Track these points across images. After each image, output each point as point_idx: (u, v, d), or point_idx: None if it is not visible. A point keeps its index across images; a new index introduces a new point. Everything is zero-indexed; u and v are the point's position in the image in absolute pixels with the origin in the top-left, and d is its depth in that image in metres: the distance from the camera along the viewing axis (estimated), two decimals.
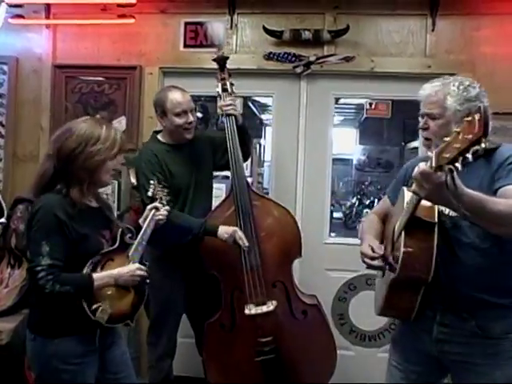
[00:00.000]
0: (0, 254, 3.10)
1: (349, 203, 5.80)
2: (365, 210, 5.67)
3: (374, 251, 1.71)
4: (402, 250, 1.54)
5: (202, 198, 2.61)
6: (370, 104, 3.12)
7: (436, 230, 1.54)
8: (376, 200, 5.48)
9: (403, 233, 1.56)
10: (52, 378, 1.76)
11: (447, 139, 1.23)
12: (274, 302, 2.42)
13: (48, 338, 1.75)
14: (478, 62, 2.87)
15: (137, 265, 1.83)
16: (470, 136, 1.16)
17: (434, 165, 1.27)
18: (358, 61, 2.98)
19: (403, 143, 4.67)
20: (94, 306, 1.71)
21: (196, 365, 2.86)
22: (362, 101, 3.32)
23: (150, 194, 2.12)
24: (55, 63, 3.19)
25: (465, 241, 1.59)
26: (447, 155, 1.22)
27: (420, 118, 1.74)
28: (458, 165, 1.21)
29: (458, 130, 1.21)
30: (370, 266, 1.74)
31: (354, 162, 4.89)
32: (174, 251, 2.54)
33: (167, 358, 2.65)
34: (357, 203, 5.82)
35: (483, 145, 1.16)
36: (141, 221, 2.01)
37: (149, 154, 2.51)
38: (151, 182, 2.15)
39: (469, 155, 1.18)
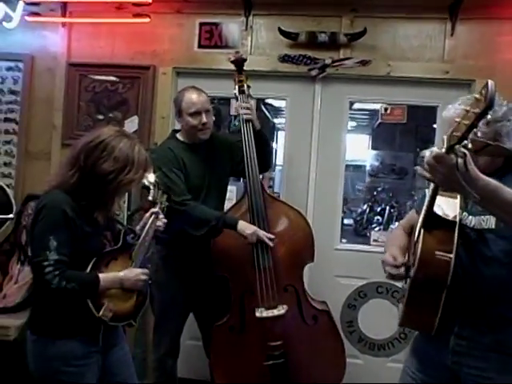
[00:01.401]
0: (10, 251, 3.11)
1: (360, 210, 5.76)
2: (376, 217, 5.63)
3: (395, 259, 1.67)
4: (420, 246, 1.50)
5: (215, 199, 2.58)
6: (386, 109, 3.08)
7: (457, 229, 1.51)
8: (387, 207, 5.44)
9: (422, 230, 1.54)
10: (53, 380, 1.73)
11: (458, 119, 1.24)
12: (285, 306, 2.38)
13: (50, 338, 1.72)
14: (498, 68, 2.81)
15: (141, 270, 1.84)
16: (477, 109, 1.18)
17: (445, 146, 1.26)
18: (375, 65, 2.95)
19: (418, 149, 4.62)
20: (99, 304, 1.70)
21: (202, 367, 2.82)
22: (376, 106, 3.28)
23: (150, 198, 2.09)
24: (70, 61, 3.19)
25: (488, 254, 1.55)
26: (458, 133, 1.23)
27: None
28: (470, 145, 1.23)
29: (467, 108, 1.22)
30: (391, 276, 1.70)
31: (368, 167, 4.83)
32: (181, 250, 2.51)
33: (169, 358, 2.62)
34: (368, 210, 5.77)
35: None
36: (137, 228, 1.98)
37: (165, 149, 2.52)
38: (151, 187, 2.11)
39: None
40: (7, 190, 3.02)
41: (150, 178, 2.23)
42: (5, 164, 3.28)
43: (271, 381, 2.39)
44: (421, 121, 3.20)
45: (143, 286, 1.84)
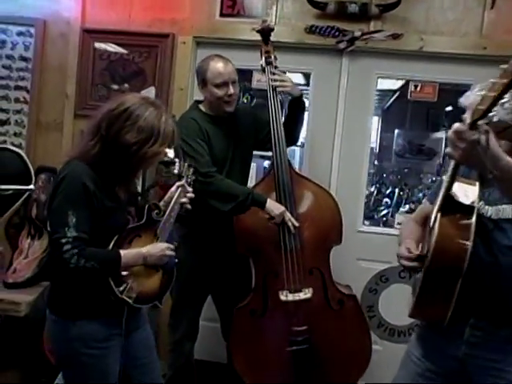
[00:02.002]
0: (20, 224, 3.00)
1: (367, 192, 5.65)
2: (384, 200, 5.53)
3: (410, 252, 1.60)
4: (436, 231, 1.42)
5: (238, 174, 2.46)
6: (416, 86, 2.93)
7: (475, 215, 1.43)
8: (396, 190, 5.34)
9: (439, 214, 1.45)
10: (73, 362, 1.64)
11: (483, 92, 1.18)
12: (311, 290, 2.28)
13: (70, 319, 1.62)
14: None
15: (166, 244, 1.72)
16: (505, 80, 1.12)
17: (468, 121, 1.21)
18: (406, 38, 2.79)
19: (446, 130, 4.48)
20: (121, 284, 1.59)
21: (219, 350, 2.73)
22: (391, 86, 3.12)
23: (176, 171, 1.97)
24: (84, 27, 3.03)
25: (506, 243, 1.49)
26: (482, 106, 1.17)
27: None
28: (495, 118, 1.19)
29: (494, 80, 1.16)
30: (406, 268, 1.62)
31: (394, 147, 4.70)
32: (202, 228, 2.40)
33: (187, 341, 2.53)
34: (375, 192, 5.66)
35: None
36: (162, 203, 1.87)
37: (189, 120, 2.38)
38: (176, 160, 1.97)
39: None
40: (25, 157, 2.83)
41: (170, 153, 2.11)
42: (15, 134, 3.15)
43: (294, 367, 2.30)
44: (452, 100, 3.05)
45: (169, 264, 1.72)
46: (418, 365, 1.68)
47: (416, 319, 1.77)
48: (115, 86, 3.04)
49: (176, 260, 1.78)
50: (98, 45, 3.04)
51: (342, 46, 2.83)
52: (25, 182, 2.75)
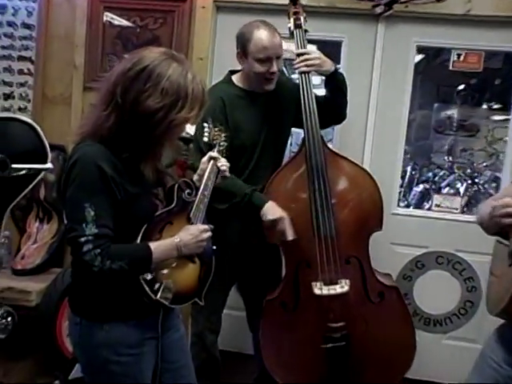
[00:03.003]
0: (26, 206, 2.79)
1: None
2: (421, 179, 5.32)
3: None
4: None
5: (269, 160, 2.22)
6: (459, 55, 2.65)
7: None
8: (436, 170, 5.11)
9: None
10: (101, 370, 1.41)
11: None
12: (348, 282, 2.06)
13: (97, 322, 1.39)
14: None
15: (201, 226, 1.47)
16: None
17: None
18: (451, 1, 2.50)
19: (490, 104, 4.20)
20: (155, 283, 1.36)
21: (245, 340, 2.56)
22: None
23: (205, 139, 1.71)
24: None
25: None
26: None
27: None
28: None
29: None
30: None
31: (433, 123, 4.43)
32: (225, 212, 2.17)
33: (210, 334, 2.33)
34: (410, 172, 5.42)
35: None
36: (195, 177, 1.62)
37: (216, 98, 2.07)
38: (205, 124, 1.73)
39: None
40: (39, 129, 2.40)
41: (189, 129, 1.88)
42: (19, 109, 2.92)
43: (328, 366, 2.10)
44: (498, 71, 2.80)
45: (206, 252, 1.48)
46: (497, 371, 1.46)
47: (504, 318, 1.53)
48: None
49: (214, 247, 1.54)
50: (108, 10, 2.77)
51: (378, 10, 2.56)
52: (40, 159, 2.35)
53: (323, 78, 2.26)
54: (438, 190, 4.33)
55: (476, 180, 4.32)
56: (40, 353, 2.63)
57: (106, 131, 1.35)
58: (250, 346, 2.53)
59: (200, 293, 1.51)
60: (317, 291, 2.02)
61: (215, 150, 1.64)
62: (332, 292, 2.01)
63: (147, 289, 1.33)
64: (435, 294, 2.78)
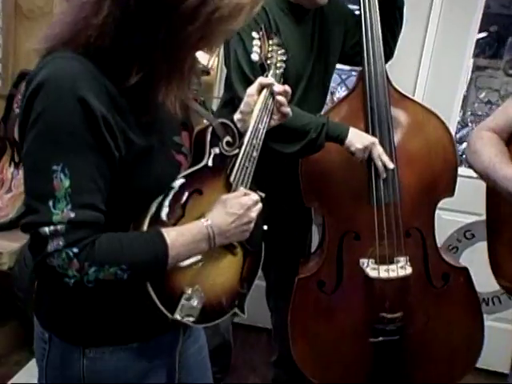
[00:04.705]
0: (0, 148, 2.28)
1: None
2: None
3: None
4: None
5: (317, 95, 1.74)
6: None
7: None
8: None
9: None
10: None
11: None
12: (407, 260, 1.64)
13: (75, 344, 0.89)
14: None
15: (245, 197, 0.94)
16: None
17: None
18: None
19: None
20: (173, 297, 0.87)
21: (259, 312, 2.17)
22: None
23: (255, 56, 1.18)
24: None
25: None
26: None
27: None
28: None
29: None
30: None
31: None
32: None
33: None
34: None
35: None
36: (237, 116, 1.10)
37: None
38: (254, 34, 1.19)
39: None
40: None
41: (202, 58, 1.36)
42: None
43: (373, 362, 1.69)
44: None
45: (254, 237, 0.97)
46: None
47: None
48: None
49: (265, 227, 1.04)
50: None
51: None
52: None
53: None
54: None
55: None
56: (15, 324, 2.28)
57: (94, 31, 0.77)
58: (265, 319, 2.16)
59: (242, 299, 1.02)
60: (372, 273, 1.58)
61: (269, 73, 1.13)
62: (392, 275, 1.56)
63: (159, 304, 0.83)
64: (483, 269, 2.38)
